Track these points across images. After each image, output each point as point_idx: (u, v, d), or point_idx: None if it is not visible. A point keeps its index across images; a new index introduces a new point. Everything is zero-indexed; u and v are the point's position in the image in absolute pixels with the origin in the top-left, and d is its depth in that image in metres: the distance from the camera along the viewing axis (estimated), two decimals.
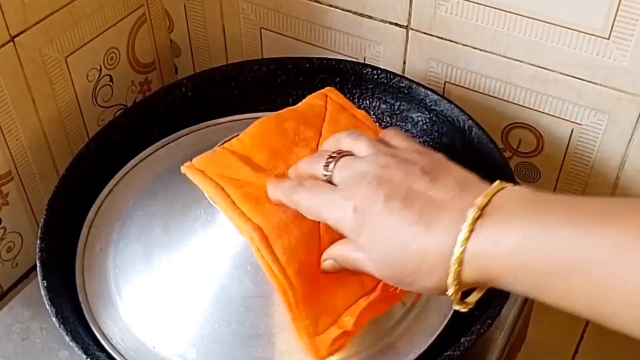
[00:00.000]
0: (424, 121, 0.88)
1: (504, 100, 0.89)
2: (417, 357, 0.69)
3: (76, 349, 0.66)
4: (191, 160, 0.70)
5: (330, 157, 0.61)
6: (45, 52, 0.86)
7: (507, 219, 0.51)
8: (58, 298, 0.70)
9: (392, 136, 0.64)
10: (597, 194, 0.90)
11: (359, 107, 0.90)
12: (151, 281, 0.71)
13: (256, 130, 0.71)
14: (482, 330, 0.66)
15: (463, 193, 0.54)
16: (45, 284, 0.70)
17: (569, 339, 0.99)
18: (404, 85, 0.88)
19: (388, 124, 0.90)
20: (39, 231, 0.74)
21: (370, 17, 0.91)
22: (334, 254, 0.61)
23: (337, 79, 0.91)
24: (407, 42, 0.91)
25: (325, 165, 0.61)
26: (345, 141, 0.64)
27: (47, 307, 0.69)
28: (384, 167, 0.58)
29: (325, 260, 0.62)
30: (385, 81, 0.89)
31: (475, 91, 0.90)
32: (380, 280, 0.62)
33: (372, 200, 0.55)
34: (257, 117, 0.73)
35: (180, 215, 0.73)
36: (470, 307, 0.56)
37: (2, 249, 0.89)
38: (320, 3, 0.93)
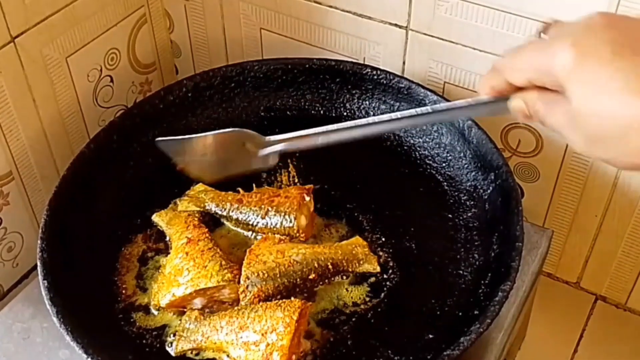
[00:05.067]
0: None
1: None
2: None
3: (77, 349, 0.66)
4: None
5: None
6: (46, 52, 0.86)
7: None
8: (58, 297, 0.70)
9: None
10: (596, 193, 0.90)
11: (358, 108, 0.91)
12: None
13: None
14: (482, 330, 0.67)
15: None
16: (45, 284, 0.71)
17: (569, 339, 0.99)
18: (403, 85, 0.88)
19: None
20: (40, 231, 0.75)
21: (370, 18, 0.91)
22: (530, 97, 0.54)
23: (337, 80, 0.91)
24: (406, 42, 0.91)
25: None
26: None
27: (48, 306, 0.69)
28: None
29: (514, 100, 0.56)
30: (385, 82, 0.89)
31: (475, 92, 0.90)
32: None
33: (596, 41, 0.48)
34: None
35: None
36: None
37: (3, 248, 0.90)
38: (320, 4, 0.93)
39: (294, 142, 0.68)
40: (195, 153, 0.72)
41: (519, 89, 0.54)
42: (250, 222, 0.79)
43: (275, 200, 0.79)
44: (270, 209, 0.79)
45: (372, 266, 0.76)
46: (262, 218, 0.79)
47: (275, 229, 0.78)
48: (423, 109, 0.61)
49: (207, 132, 0.71)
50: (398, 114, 0.63)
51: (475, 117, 0.83)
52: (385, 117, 0.63)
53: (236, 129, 0.71)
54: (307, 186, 0.82)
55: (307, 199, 0.79)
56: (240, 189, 0.82)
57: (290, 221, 0.78)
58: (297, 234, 0.78)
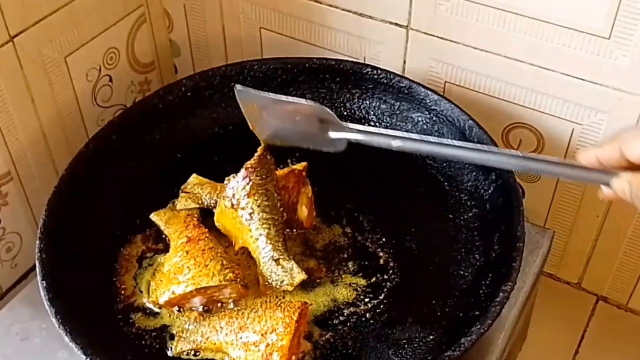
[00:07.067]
0: (424, 121, 0.88)
1: (504, 100, 0.89)
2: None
3: (75, 349, 0.66)
4: None
5: None
6: (44, 52, 0.86)
7: None
8: (57, 298, 0.70)
9: None
10: (597, 194, 0.90)
11: (358, 108, 0.91)
12: None
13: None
14: (483, 331, 0.66)
15: None
16: (44, 284, 0.70)
17: (570, 340, 0.99)
18: (404, 85, 0.87)
19: (388, 124, 0.90)
20: (39, 231, 0.74)
21: (370, 17, 0.91)
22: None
23: (337, 79, 0.91)
24: (407, 42, 0.90)
25: None
26: None
27: (47, 307, 0.69)
28: None
29: (618, 179, 0.56)
30: (385, 81, 0.88)
31: (476, 91, 0.90)
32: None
33: None
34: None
35: None
36: None
37: (1, 249, 0.89)
38: (320, 3, 0.93)
39: (368, 136, 0.69)
40: (270, 113, 0.72)
41: (628, 168, 0.54)
42: None
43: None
44: None
45: None
46: None
47: None
48: (512, 152, 0.63)
49: (290, 98, 0.72)
50: (485, 147, 0.66)
51: (476, 117, 0.83)
52: (470, 145, 0.65)
53: (318, 105, 0.71)
54: (299, 166, 0.82)
55: (303, 189, 0.79)
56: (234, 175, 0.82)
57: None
58: (300, 225, 0.78)
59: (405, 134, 0.67)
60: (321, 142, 0.71)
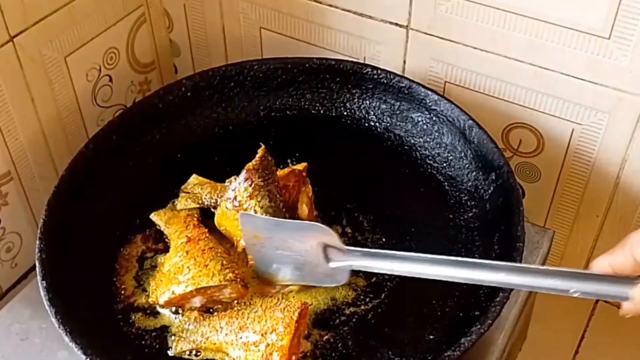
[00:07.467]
0: (424, 121, 0.88)
1: (504, 100, 0.89)
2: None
3: (75, 349, 0.66)
4: None
5: None
6: (44, 52, 0.86)
7: None
8: (57, 298, 0.70)
9: None
10: (597, 193, 0.90)
11: (358, 108, 0.91)
12: None
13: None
14: (483, 331, 0.66)
15: None
16: (44, 284, 0.70)
17: (570, 339, 0.99)
18: (404, 85, 0.87)
19: (388, 124, 0.90)
20: (39, 231, 0.74)
21: (370, 17, 0.91)
22: None
23: (337, 79, 0.91)
24: (407, 42, 0.90)
25: None
26: None
27: (47, 307, 0.69)
28: None
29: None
30: (385, 81, 0.88)
31: (476, 91, 0.90)
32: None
33: None
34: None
35: None
36: None
37: (1, 249, 0.89)
38: (320, 3, 0.93)
39: (371, 260, 0.69)
40: (272, 241, 0.72)
41: None
42: None
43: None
44: None
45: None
46: None
47: None
48: (526, 267, 0.62)
49: (293, 221, 0.73)
50: (495, 263, 0.63)
51: (476, 117, 0.83)
52: (478, 262, 0.64)
53: (322, 226, 0.70)
54: (299, 166, 0.81)
55: (304, 188, 0.79)
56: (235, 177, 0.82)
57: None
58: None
59: (414, 255, 0.67)
60: (323, 273, 0.72)
